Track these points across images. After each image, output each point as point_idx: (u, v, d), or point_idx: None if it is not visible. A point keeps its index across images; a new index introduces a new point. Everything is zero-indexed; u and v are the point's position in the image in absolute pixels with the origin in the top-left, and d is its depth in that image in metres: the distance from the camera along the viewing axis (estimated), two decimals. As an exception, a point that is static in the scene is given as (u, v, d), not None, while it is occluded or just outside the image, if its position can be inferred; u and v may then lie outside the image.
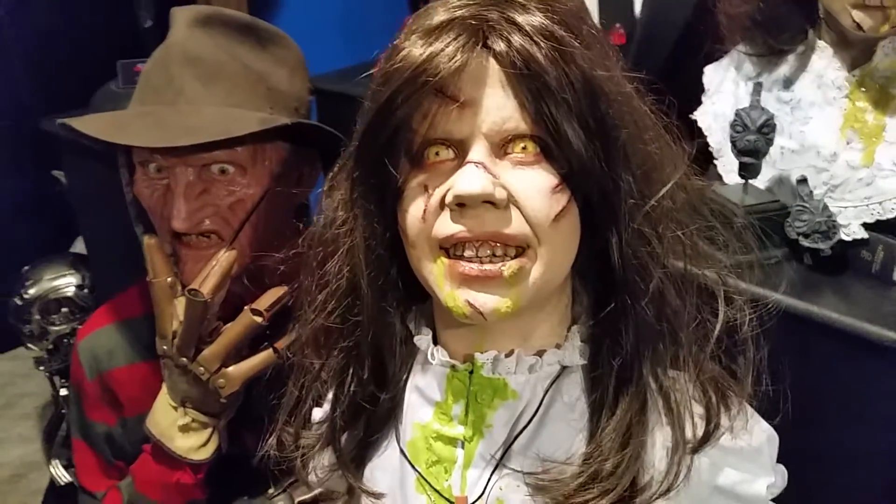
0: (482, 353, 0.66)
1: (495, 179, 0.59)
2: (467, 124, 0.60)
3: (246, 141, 1.00)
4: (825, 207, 0.98)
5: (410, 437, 0.71)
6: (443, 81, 0.58)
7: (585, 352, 0.67)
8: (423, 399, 0.70)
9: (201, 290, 0.98)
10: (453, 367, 0.68)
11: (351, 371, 0.71)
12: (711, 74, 1.21)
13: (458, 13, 0.59)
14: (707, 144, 1.17)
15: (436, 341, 0.70)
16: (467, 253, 0.60)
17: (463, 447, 0.68)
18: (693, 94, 1.22)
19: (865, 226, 0.99)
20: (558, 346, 0.67)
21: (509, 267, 0.60)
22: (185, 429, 1.04)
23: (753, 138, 0.99)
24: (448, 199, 0.59)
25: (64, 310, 1.93)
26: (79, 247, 2.09)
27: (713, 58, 1.21)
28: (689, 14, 1.27)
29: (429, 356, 0.68)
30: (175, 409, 1.04)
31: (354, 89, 1.55)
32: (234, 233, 1.02)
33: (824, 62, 1.03)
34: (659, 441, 0.65)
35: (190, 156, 0.98)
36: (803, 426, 0.94)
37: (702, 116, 1.18)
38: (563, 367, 0.67)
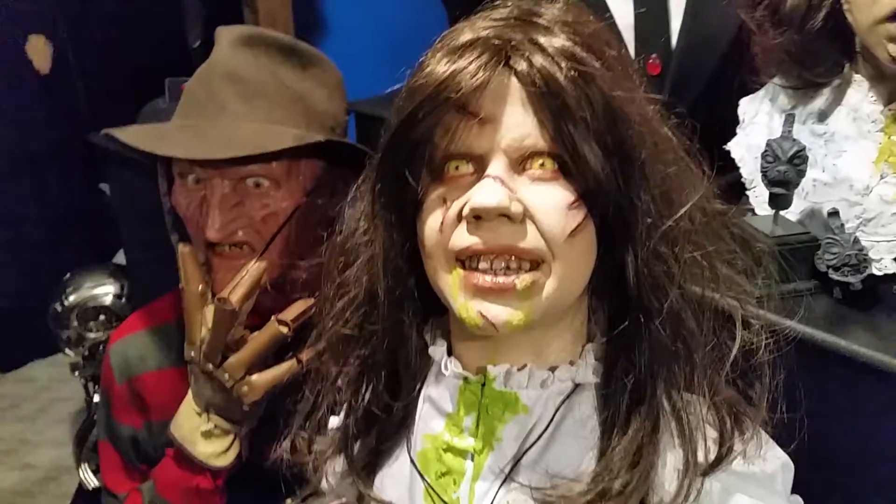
0: (495, 366, 0.67)
1: (512, 194, 0.60)
2: (487, 140, 0.61)
3: (281, 156, 1.03)
4: (856, 240, 0.97)
5: (421, 447, 0.71)
6: (465, 98, 0.59)
7: (599, 370, 0.67)
8: (435, 410, 0.71)
9: (230, 299, 1.00)
10: (466, 378, 0.68)
11: (366, 379, 0.72)
12: (746, 106, 1.20)
13: (483, 33, 0.61)
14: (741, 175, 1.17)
15: (451, 353, 0.71)
16: (482, 265, 0.62)
17: (473, 460, 0.68)
18: (729, 125, 1.22)
19: (897, 261, 0.97)
20: (572, 363, 0.68)
21: (522, 280, 0.61)
22: (207, 435, 1.05)
23: (784, 169, 0.98)
24: (465, 211, 0.61)
25: (101, 317, 1.98)
26: (121, 258, 2.15)
27: (750, 89, 1.21)
28: (726, 46, 1.27)
29: (442, 367, 0.69)
30: (199, 414, 1.06)
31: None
32: (265, 244, 1.05)
33: (860, 96, 1.03)
34: (670, 463, 0.64)
35: (227, 168, 1.01)
36: (827, 461, 0.92)
37: (735, 147, 1.18)
38: (577, 385, 0.67)
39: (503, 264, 0.61)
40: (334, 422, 0.79)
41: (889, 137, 1.00)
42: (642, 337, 0.64)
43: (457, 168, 0.63)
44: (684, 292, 0.64)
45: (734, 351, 0.66)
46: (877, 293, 1.00)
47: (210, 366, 1.03)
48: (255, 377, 1.04)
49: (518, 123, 0.61)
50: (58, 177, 3.03)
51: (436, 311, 0.72)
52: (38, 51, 2.89)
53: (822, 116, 1.08)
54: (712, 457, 0.64)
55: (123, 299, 2.02)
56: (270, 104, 1.04)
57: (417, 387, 0.72)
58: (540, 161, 0.61)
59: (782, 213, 1.05)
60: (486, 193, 0.59)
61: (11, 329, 2.96)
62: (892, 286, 0.99)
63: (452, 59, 0.60)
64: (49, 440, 2.70)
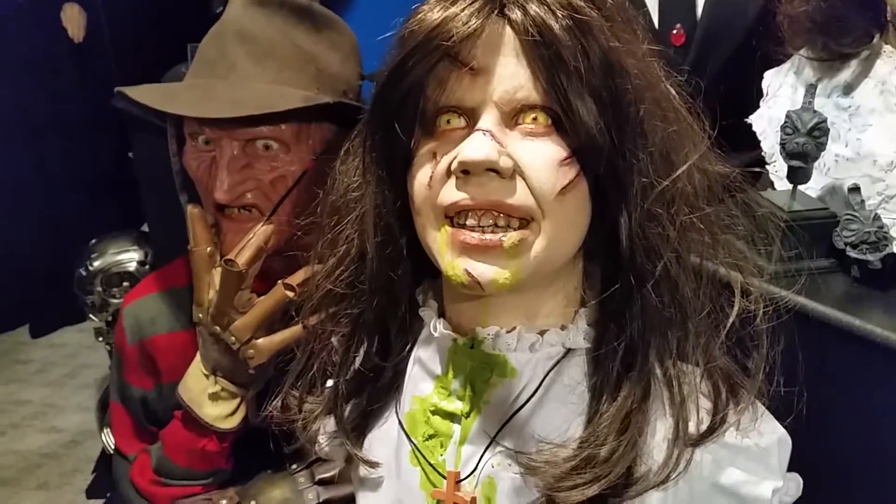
0: (484, 328, 0.65)
1: (502, 148, 0.58)
2: (479, 92, 0.59)
3: (290, 118, 1.02)
4: (876, 217, 0.94)
5: (409, 408, 0.70)
6: (456, 46, 0.58)
7: (591, 335, 0.66)
8: (424, 372, 0.70)
9: (237, 261, 1.00)
10: (455, 340, 0.67)
11: (356, 340, 0.71)
12: (771, 79, 1.17)
13: None
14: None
15: (443, 315, 0.70)
16: (469, 222, 0.60)
17: (460, 423, 0.67)
18: (754, 98, 1.19)
19: (920, 240, 0.94)
20: (563, 328, 0.66)
21: (510, 238, 0.59)
22: (214, 397, 1.06)
23: (802, 141, 0.95)
24: (454, 165, 0.59)
25: (125, 284, 2.00)
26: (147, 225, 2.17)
27: (776, 61, 1.17)
28: (752, 16, 1.24)
29: (431, 328, 0.68)
30: (206, 377, 1.06)
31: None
32: (273, 208, 1.04)
33: (889, 67, 0.99)
34: (661, 432, 0.63)
35: (236, 129, 1.01)
36: (836, 442, 0.89)
37: (758, 120, 1.15)
38: (568, 350, 0.66)
39: (491, 221, 0.60)
40: (331, 382, 0.78)
41: (917, 111, 0.96)
42: (634, 301, 0.62)
43: (448, 122, 0.61)
44: (680, 256, 0.62)
45: (731, 318, 0.63)
46: (896, 272, 0.96)
47: (217, 328, 1.03)
48: (260, 341, 1.04)
49: (511, 75, 0.59)
50: (90, 144, 3.07)
51: (430, 272, 0.71)
52: (73, 19, 2.93)
53: (848, 89, 1.04)
54: (704, 427, 0.62)
55: (147, 266, 2.04)
56: (281, 65, 1.03)
57: (408, 348, 0.71)
58: (533, 115, 0.59)
59: (802, 188, 1.02)
60: (474, 147, 0.58)
61: (42, 295, 3.02)
62: (914, 265, 0.95)
63: (445, 6, 0.58)
64: (75, 405, 2.75)
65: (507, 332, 0.65)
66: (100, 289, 2.01)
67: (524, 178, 0.59)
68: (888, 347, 0.87)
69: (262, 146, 1.03)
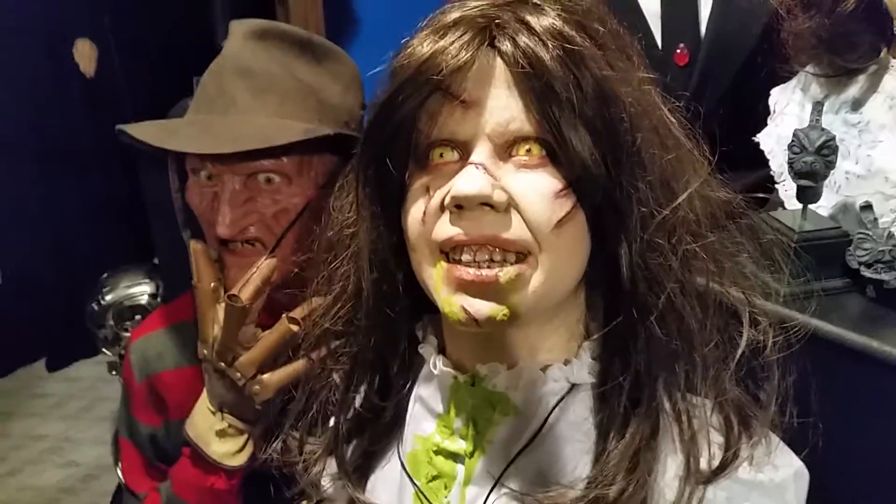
0: (484, 364, 0.64)
1: (495, 182, 0.57)
2: (471, 125, 0.58)
3: (292, 151, 1.01)
4: (891, 236, 0.91)
5: (411, 449, 0.69)
6: (447, 79, 0.57)
7: (596, 369, 0.64)
8: (426, 410, 0.69)
9: (240, 296, 1.00)
10: (456, 378, 0.66)
11: (356, 378, 0.70)
12: (778, 96, 1.15)
13: (470, 12, 0.58)
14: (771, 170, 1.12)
15: (443, 352, 0.68)
16: (465, 257, 0.59)
17: (464, 463, 0.65)
18: (760, 117, 1.17)
19: (935, 258, 0.91)
20: (566, 362, 0.64)
21: (506, 273, 0.58)
22: (221, 434, 1.05)
23: (811, 160, 0.93)
24: (447, 200, 0.58)
25: (137, 317, 2.00)
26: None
27: (782, 79, 1.15)
28: (756, 34, 1.22)
29: (431, 366, 0.67)
30: (213, 413, 1.05)
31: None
32: (276, 241, 1.03)
33: (896, 82, 0.97)
34: (671, 470, 0.61)
35: (237, 164, 1.00)
36: (848, 470, 0.87)
37: (765, 139, 1.12)
38: (573, 385, 0.64)
39: (487, 256, 0.58)
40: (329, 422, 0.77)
41: (927, 126, 0.94)
42: (638, 334, 0.60)
43: (441, 155, 0.60)
44: (684, 287, 0.60)
45: (741, 349, 0.62)
46: (914, 291, 0.94)
47: (222, 364, 1.02)
48: (266, 376, 1.03)
49: (503, 107, 0.58)
50: (103, 178, 3.09)
51: (430, 307, 0.69)
52: (84, 55, 2.96)
53: (857, 105, 1.02)
54: (717, 463, 0.60)
55: (159, 299, 2.04)
56: (281, 98, 1.03)
57: (408, 386, 0.70)
58: (526, 147, 0.58)
59: (813, 207, 1.00)
60: (467, 181, 0.56)
61: (57, 328, 3.03)
62: (930, 284, 0.93)
63: (436, 39, 0.58)
64: (92, 438, 2.75)
65: (508, 368, 0.64)
66: (112, 323, 2.01)
67: (519, 212, 0.58)
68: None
69: (264, 180, 1.02)
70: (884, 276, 0.91)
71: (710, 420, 0.62)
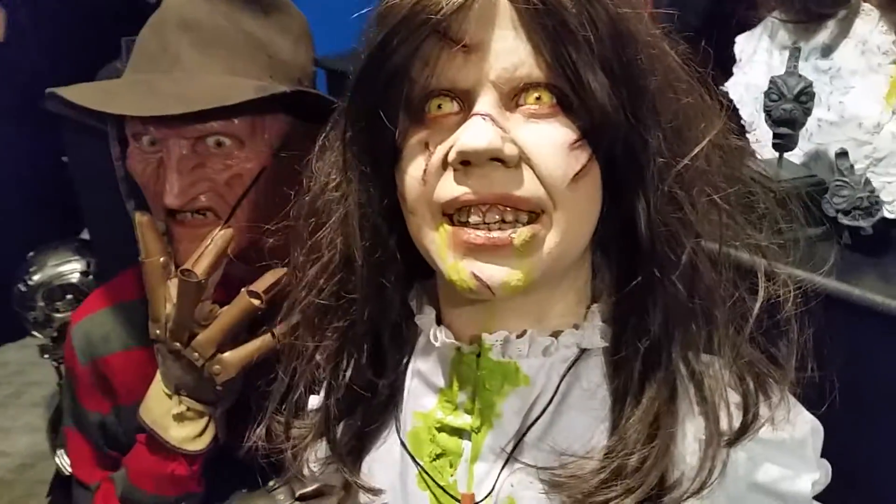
0: (491, 333, 0.59)
1: (505, 134, 0.52)
2: (473, 71, 0.53)
3: (243, 111, 0.94)
4: (867, 182, 0.91)
5: (412, 427, 0.64)
6: (445, 21, 0.51)
7: (607, 333, 0.60)
8: (425, 385, 0.64)
9: (194, 271, 0.93)
10: (459, 349, 0.61)
11: (346, 354, 0.64)
12: (743, 44, 1.13)
13: None
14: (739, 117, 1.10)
15: (440, 321, 0.63)
16: (473, 219, 0.53)
17: (470, 439, 0.61)
18: (724, 65, 1.15)
19: (911, 202, 0.91)
20: (576, 327, 0.60)
21: (520, 234, 0.53)
22: (179, 418, 0.99)
23: (790, 107, 0.92)
24: (451, 156, 0.52)
25: (68, 296, 1.90)
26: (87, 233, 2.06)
27: (745, 26, 1.14)
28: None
29: (431, 337, 0.61)
30: (169, 397, 0.99)
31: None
32: (231, 210, 0.96)
33: (869, 26, 0.96)
34: (690, 433, 0.58)
35: (184, 127, 0.92)
36: (844, 415, 0.87)
37: (733, 87, 1.11)
38: (582, 351, 0.60)
39: (497, 217, 0.53)
40: (314, 402, 0.71)
41: (901, 69, 0.93)
42: (657, 294, 0.56)
43: (439, 107, 0.54)
44: (701, 241, 0.57)
45: (757, 306, 0.59)
46: (889, 237, 0.94)
47: (177, 344, 0.96)
48: (226, 354, 0.96)
49: (509, 50, 0.52)
50: (20, 149, 2.90)
51: (420, 273, 0.64)
52: (-9, 19, 2.75)
53: (827, 51, 1.01)
54: (736, 423, 0.57)
55: (91, 276, 1.94)
56: (229, 53, 0.95)
57: (404, 361, 0.65)
58: (536, 94, 0.53)
59: (786, 155, 0.98)
60: (474, 134, 0.51)
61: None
62: (906, 229, 0.93)
63: None
64: (23, 426, 2.62)
65: (518, 336, 0.59)
66: (42, 304, 1.90)
67: (531, 167, 0.53)
68: (887, 314, 0.85)
69: (213, 143, 0.95)
70: (861, 223, 0.91)
71: (726, 379, 0.59)
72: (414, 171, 0.55)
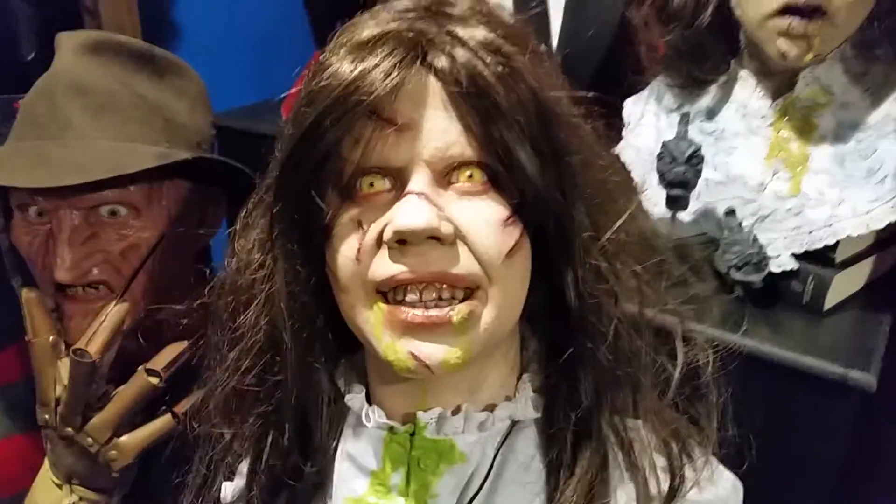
0: (425, 411, 0.58)
1: (440, 212, 0.52)
2: (406, 150, 0.52)
3: (140, 179, 0.90)
4: (755, 239, 0.96)
5: None
6: (377, 102, 0.50)
7: (539, 403, 0.60)
8: (355, 468, 0.61)
9: (88, 350, 0.87)
10: (391, 429, 0.59)
11: (270, 440, 0.61)
12: (631, 107, 1.18)
13: (392, 26, 0.52)
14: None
15: (370, 400, 0.61)
16: (410, 297, 0.53)
17: None
18: (613, 128, 1.19)
19: (795, 256, 0.97)
20: (508, 399, 0.60)
21: (459, 311, 0.53)
22: None
23: (682, 169, 0.96)
24: (387, 235, 0.51)
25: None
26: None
27: (632, 91, 1.19)
28: (609, 44, 1.25)
29: (363, 417, 0.60)
30: (60, 487, 0.92)
31: (259, 127, 1.47)
32: (126, 283, 0.91)
33: (747, 91, 1.02)
34: (622, 500, 0.58)
35: (77, 197, 0.87)
36: (751, 466, 0.90)
37: (625, 150, 1.15)
38: (514, 423, 0.60)
39: (434, 294, 0.52)
40: (229, 490, 0.67)
41: (778, 133, 1.00)
42: (587, 363, 0.57)
43: (371, 185, 0.54)
44: (626, 311, 0.58)
45: (678, 370, 0.60)
46: (777, 290, 0.99)
47: (69, 429, 0.89)
48: (123, 438, 0.90)
49: (442, 130, 0.52)
50: None
51: (346, 349, 0.62)
52: None
53: (711, 114, 1.07)
54: (665, 487, 0.58)
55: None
56: (124, 119, 0.91)
57: (333, 443, 0.62)
58: (468, 172, 0.53)
59: (677, 214, 1.03)
60: (411, 213, 0.51)
61: None
62: (791, 283, 0.98)
63: (359, 57, 0.51)
64: None
65: (453, 413, 0.58)
66: None
67: (467, 244, 0.53)
68: (781, 365, 0.89)
69: (107, 213, 0.90)
70: (752, 278, 0.96)
71: (652, 444, 0.60)
72: (347, 250, 0.54)
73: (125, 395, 0.90)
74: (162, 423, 0.91)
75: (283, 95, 1.57)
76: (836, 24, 0.89)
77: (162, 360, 0.91)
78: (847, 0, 0.88)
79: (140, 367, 0.90)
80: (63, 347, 0.91)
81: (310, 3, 1.80)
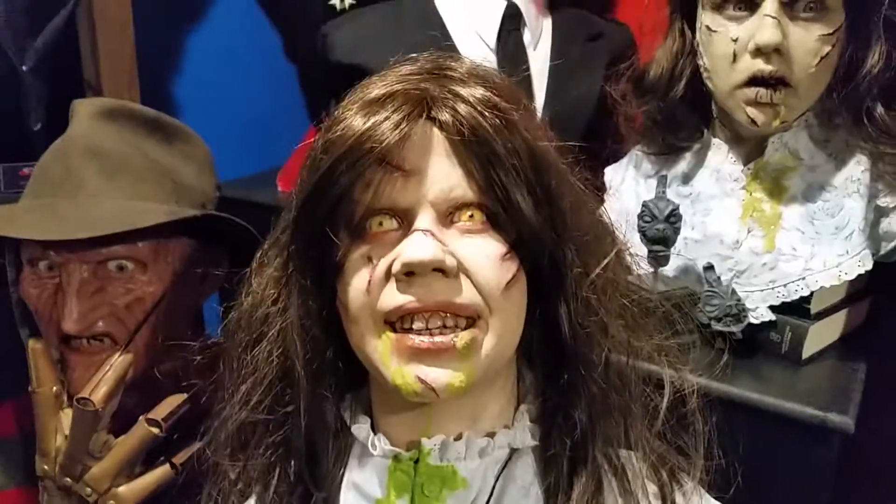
0: (429, 438, 0.61)
1: (444, 247, 0.57)
2: (412, 193, 0.58)
3: (148, 235, 0.94)
4: (734, 292, 1.01)
5: None
6: (387, 150, 0.56)
7: (536, 432, 0.64)
8: (361, 497, 0.64)
9: (92, 399, 0.89)
10: (396, 456, 0.62)
11: (278, 470, 0.64)
12: (612, 174, 1.25)
13: (399, 87, 0.59)
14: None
15: (374, 430, 0.65)
16: (416, 325, 0.57)
17: None
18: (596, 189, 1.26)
19: (772, 308, 1.02)
20: (507, 427, 0.64)
21: (462, 338, 0.57)
22: None
23: (662, 227, 1.02)
24: (395, 267, 0.56)
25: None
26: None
27: (612, 159, 1.26)
28: (590, 116, 1.33)
29: (369, 446, 0.63)
30: (55, 539, 0.92)
31: (258, 196, 1.53)
32: (130, 335, 0.94)
33: (720, 157, 1.09)
34: None
35: (86, 251, 0.91)
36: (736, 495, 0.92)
37: (608, 213, 1.21)
38: (513, 450, 0.63)
39: (439, 322, 0.57)
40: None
41: (751, 194, 1.06)
42: (581, 391, 0.61)
43: (380, 224, 0.59)
44: (615, 342, 0.63)
45: (665, 401, 0.65)
46: (756, 341, 1.04)
47: (68, 479, 0.90)
48: (122, 489, 0.91)
49: (445, 174, 0.58)
50: None
51: (352, 384, 0.66)
52: None
53: (686, 178, 1.14)
54: None
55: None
56: (136, 179, 0.96)
57: (339, 473, 0.65)
58: (469, 213, 0.59)
59: (660, 270, 1.08)
60: (418, 247, 0.56)
61: None
62: (769, 333, 1.03)
63: (370, 112, 0.57)
64: None
65: (455, 439, 0.62)
66: None
67: (469, 276, 0.58)
68: (765, 411, 0.93)
69: (115, 267, 0.94)
70: (732, 328, 1.01)
71: (642, 470, 0.64)
72: (358, 283, 0.59)
73: (126, 444, 0.91)
74: (161, 473, 0.93)
75: (279, 166, 1.64)
76: (798, 95, 0.97)
77: (163, 410, 0.93)
78: (807, 72, 0.96)
79: (141, 417, 0.92)
80: (66, 398, 0.93)
81: (304, 83, 1.89)
